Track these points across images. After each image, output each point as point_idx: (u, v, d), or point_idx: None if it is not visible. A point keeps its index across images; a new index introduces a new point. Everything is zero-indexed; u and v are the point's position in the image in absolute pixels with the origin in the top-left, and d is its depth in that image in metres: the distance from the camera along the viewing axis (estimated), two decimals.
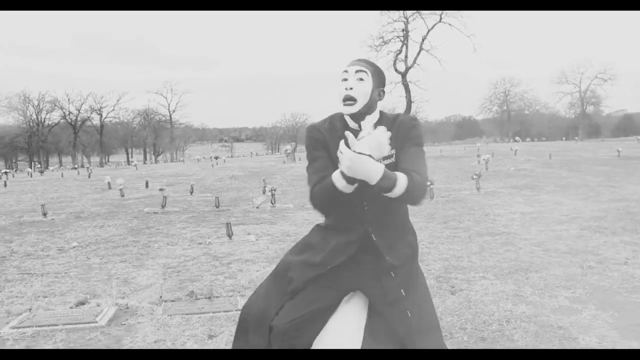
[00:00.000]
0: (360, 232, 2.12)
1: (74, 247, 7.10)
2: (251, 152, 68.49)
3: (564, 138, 69.69)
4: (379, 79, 2.19)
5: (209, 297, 4.45)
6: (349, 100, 2.10)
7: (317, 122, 2.24)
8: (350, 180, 1.87)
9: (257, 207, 10.43)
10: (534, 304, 4.04)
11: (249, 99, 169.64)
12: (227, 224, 7.29)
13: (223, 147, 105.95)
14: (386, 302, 2.05)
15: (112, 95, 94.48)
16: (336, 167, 1.96)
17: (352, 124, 2.17)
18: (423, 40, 29.37)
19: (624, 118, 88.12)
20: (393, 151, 2.08)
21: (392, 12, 29.51)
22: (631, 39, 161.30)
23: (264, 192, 12.39)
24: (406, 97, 29.76)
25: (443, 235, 6.92)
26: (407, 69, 29.35)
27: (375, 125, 2.09)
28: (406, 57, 29.23)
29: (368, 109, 2.13)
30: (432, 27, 29.49)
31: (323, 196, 1.99)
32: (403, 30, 29.67)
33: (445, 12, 29.09)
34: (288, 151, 33.67)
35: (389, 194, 1.88)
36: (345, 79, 2.13)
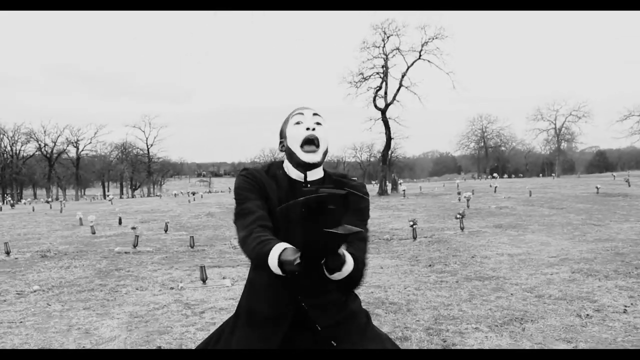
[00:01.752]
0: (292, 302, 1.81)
1: (34, 291, 6.59)
2: (229, 188, 67.88)
3: (540, 174, 70.67)
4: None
5: None
6: (311, 144, 1.83)
7: (253, 167, 1.94)
8: (287, 268, 1.54)
9: (234, 247, 10.00)
10: None
11: (227, 133, 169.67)
12: (201, 267, 6.86)
13: (201, 182, 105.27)
14: None
15: (90, 127, 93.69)
16: (271, 219, 1.77)
17: (294, 173, 1.88)
18: (403, 77, 29.55)
19: (597, 154, 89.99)
20: None
21: (372, 48, 29.77)
22: (603, 76, 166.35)
23: None
24: (386, 133, 29.70)
25: (429, 280, 6.57)
26: (387, 105, 29.36)
27: (321, 181, 1.88)
28: (386, 93, 29.28)
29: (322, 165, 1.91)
30: (412, 64, 29.69)
31: (255, 257, 1.66)
32: (383, 66, 29.82)
33: (424, 48, 29.43)
34: None
35: (333, 275, 1.62)
36: (300, 122, 1.87)
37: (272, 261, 1.54)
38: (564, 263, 7.34)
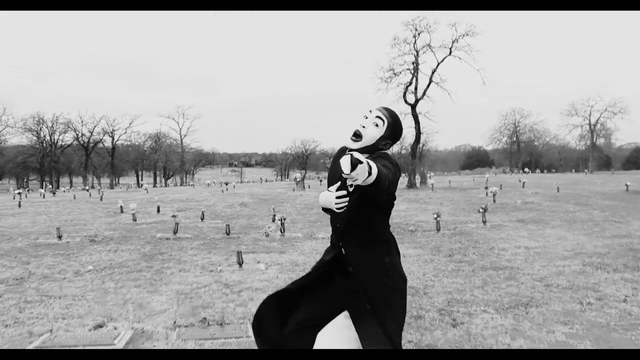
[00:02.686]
0: (336, 250, 2.63)
1: (89, 271, 7.35)
2: (260, 178, 68.97)
3: (573, 170, 69.69)
4: (393, 132, 2.59)
5: (221, 324, 4.66)
6: (355, 135, 2.55)
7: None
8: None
9: (267, 236, 10.65)
10: (532, 338, 4.22)
11: (258, 123, 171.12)
12: (238, 252, 7.52)
13: (233, 172, 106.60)
14: (359, 315, 2.51)
15: (125, 118, 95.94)
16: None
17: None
18: (433, 73, 29.83)
19: (635, 150, 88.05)
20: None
21: (402, 44, 30.14)
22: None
23: (273, 221, 12.64)
24: (415, 128, 30.07)
25: (448, 268, 7.10)
26: (417, 100, 29.70)
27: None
28: (416, 89, 29.64)
29: (369, 151, 2.56)
30: (442, 60, 29.96)
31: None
32: (413, 63, 30.15)
33: (455, 45, 29.66)
34: (297, 179, 34.03)
35: (358, 176, 1.99)
36: (366, 117, 2.56)
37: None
38: (577, 257, 7.76)
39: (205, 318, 4.85)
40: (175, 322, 4.74)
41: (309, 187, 34.60)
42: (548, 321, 4.69)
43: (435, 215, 11.17)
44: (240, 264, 7.37)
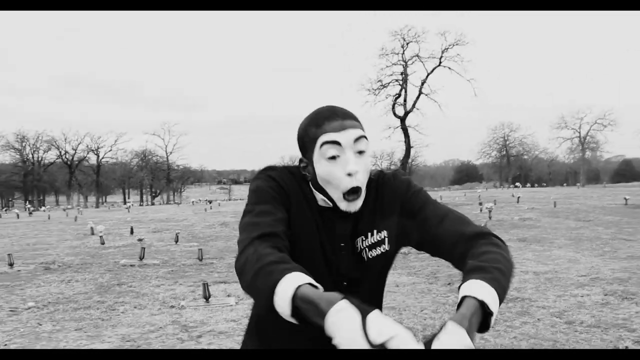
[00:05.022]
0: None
1: (29, 309, 6.24)
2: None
3: (564, 184, 69.24)
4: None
5: None
6: (354, 194, 1.30)
7: (276, 169, 1.39)
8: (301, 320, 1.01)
9: None
10: None
11: (245, 141, 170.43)
12: (204, 284, 6.45)
13: (221, 190, 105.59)
14: None
15: (110, 135, 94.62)
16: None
17: (320, 196, 1.36)
18: (422, 84, 29.08)
19: (623, 163, 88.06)
20: (384, 233, 1.38)
21: (390, 55, 29.40)
22: (629, 82, 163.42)
23: None
24: (405, 141, 29.22)
25: (448, 301, 6.07)
26: (406, 113, 28.90)
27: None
28: (405, 101, 28.85)
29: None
30: (432, 71, 29.24)
31: (257, 288, 1.10)
32: (402, 73, 29.40)
33: (444, 55, 28.99)
34: None
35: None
36: (336, 157, 1.28)
37: (283, 295, 1.02)
38: (595, 283, 6.78)
39: None
40: None
41: None
42: None
43: None
44: (206, 298, 6.30)
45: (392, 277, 7.62)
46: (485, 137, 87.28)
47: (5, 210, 41.94)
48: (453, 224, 1.31)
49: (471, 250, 1.22)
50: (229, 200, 63.73)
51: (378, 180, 1.42)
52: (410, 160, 34.17)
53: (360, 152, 1.29)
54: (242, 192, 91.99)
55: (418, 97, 28.87)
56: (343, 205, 1.30)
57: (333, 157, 1.27)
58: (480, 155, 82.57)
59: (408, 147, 29.28)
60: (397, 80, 29.41)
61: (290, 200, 1.34)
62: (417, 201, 1.38)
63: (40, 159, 69.30)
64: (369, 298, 1.33)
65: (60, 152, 68.88)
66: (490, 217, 16.28)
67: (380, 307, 1.43)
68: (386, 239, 1.37)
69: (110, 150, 71.48)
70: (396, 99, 29.01)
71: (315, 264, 1.32)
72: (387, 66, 29.64)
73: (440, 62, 29.19)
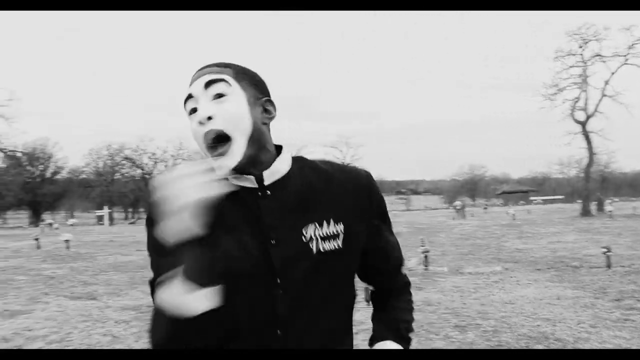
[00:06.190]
0: None
1: None
2: (425, 206, 67.54)
3: None
4: (253, 82, 1.17)
5: None
6: (218, 142, 1.09)
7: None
8: None
9: (408, 270, 9.94)
10: None
11: (421, 150, 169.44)
12: (366, 289, 6.95)
13: (400, 200, 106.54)
14: None
15: (291, 148, 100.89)
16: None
17: (242, 181, 1.14)
18: (605, 85, 26.76)
19: None
20: (340, 226, 1.15)
21: (567, 57, 27.51)
22: None
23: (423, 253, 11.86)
24: (587, 148, 27.10)
25: (611, 317, 5.81)
26: (588, 117, 26.82)
27: (283, 182, 1.17)
28: (586, 104, 26.82)
29: (257, 148, 1.13)
30: (616, 71, 26.76)
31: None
32: (580, 75, 27.36)
33: (631, 52, 26.32)
34: (457, 207, 32.63)
35: None
36: (193, 109, 1.12)
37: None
38: None
39: None
40: None
41: (472, 216, 32.86)
42: None
43: (604, 250, 9.53)
44: (367, 301, 6.78)
45: (555, 290, 7.43)
46: None
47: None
48: (386, 261, 1.33)
49: (390, 300, 1.35)
50: (408, 210, 63.82)
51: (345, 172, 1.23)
52: (602, 168, 31.48)
53: (219, 96, 1.09)
54: (420, 202, 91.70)
55: (600, 100, 26.63)
56: (215, 165, 1.06)
57: (191, 110, 1.13)
58: None
59: (591, 154, 27.08)
60: (575, 83, 27.44)
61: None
62: (378, 212, 1.26)
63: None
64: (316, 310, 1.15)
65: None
66: None
67: (344, 330, 1.23)
68: (341, 233, 1.16)
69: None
70: (575, 103, 27.07)
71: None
72: (563, 69, 27.79)
73: (626, 60, 26.60)
